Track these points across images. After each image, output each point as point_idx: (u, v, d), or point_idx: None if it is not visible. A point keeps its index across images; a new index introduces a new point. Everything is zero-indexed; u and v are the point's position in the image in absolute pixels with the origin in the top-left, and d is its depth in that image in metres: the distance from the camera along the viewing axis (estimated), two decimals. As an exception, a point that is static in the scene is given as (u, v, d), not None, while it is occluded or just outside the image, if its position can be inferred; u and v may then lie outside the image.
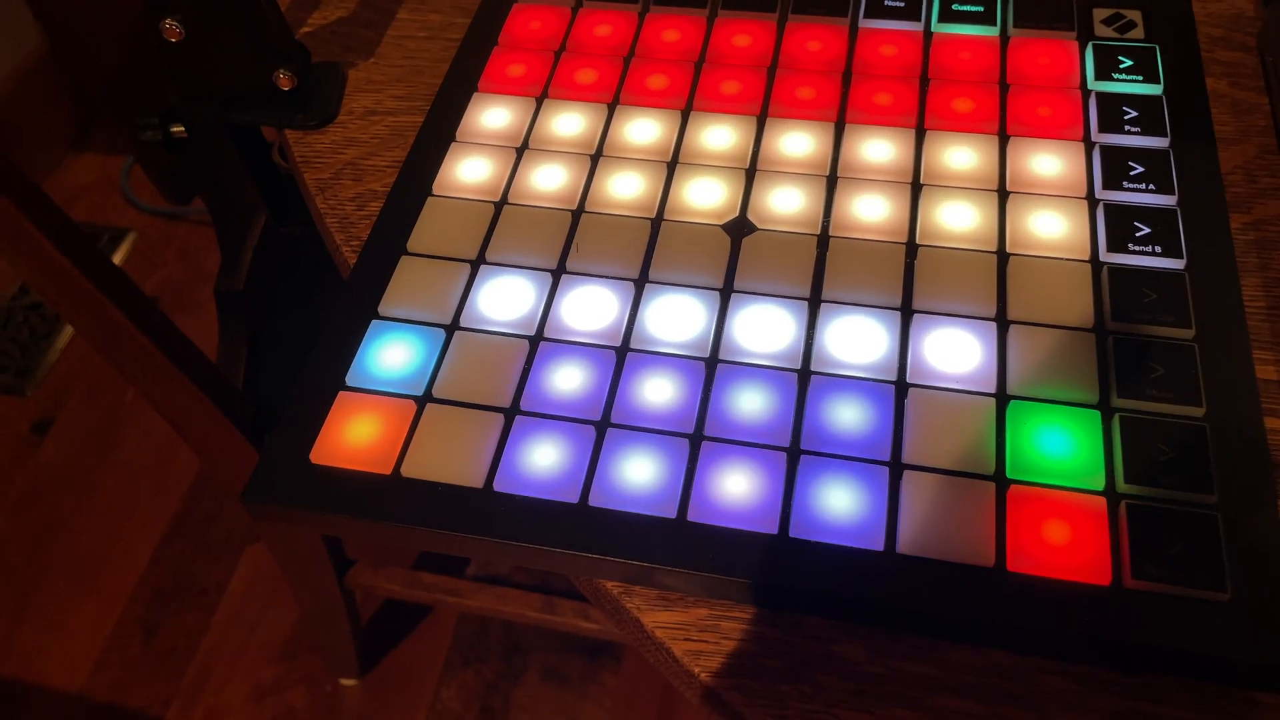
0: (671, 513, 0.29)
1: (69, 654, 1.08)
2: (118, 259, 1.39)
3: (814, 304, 0.33)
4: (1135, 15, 0.40)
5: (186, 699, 1.06)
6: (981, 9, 0.41)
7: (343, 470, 0.31)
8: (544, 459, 0.30)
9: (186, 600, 1.12)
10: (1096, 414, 0.30)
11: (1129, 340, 0.31)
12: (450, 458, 0.30)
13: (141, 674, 1.07)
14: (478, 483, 0.30)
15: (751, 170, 0.37)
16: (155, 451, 1.20)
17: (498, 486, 0.30)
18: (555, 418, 0.31)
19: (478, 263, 0.35)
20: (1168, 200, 0.34)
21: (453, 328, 0.34)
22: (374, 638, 1.07)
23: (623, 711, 1.01)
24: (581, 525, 0.29)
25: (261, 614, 1.11)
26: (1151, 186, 0.35)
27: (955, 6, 0.41)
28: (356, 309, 0.34)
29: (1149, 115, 0.37)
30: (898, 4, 0.41)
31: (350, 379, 0.33)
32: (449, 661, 1.07)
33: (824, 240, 0.35)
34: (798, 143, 0.37)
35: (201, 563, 1.13)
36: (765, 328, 0.33)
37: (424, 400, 0.32)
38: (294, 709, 1.06)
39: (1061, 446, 0.29)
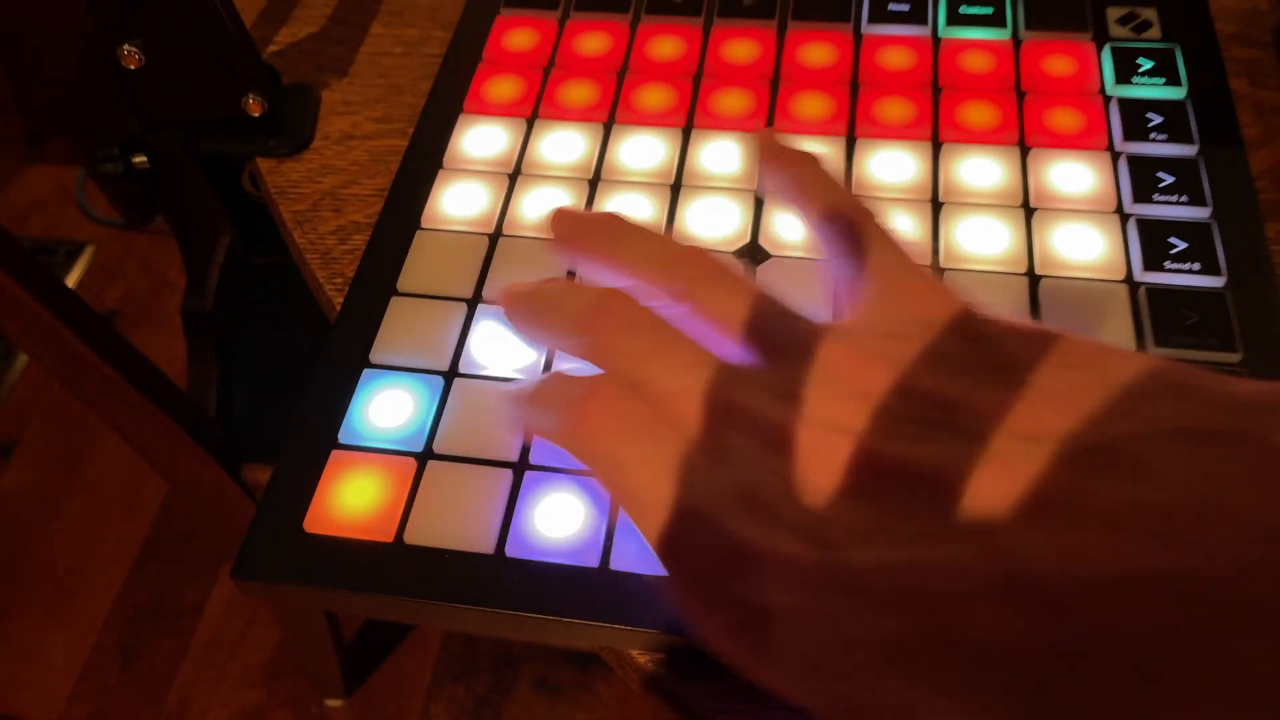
0: (701, 574, 0.27)
1: (44, 685, 1.04)
2: (76, 273, 1.34)
3: (837, 336, 0.31)
4: (1150, 14, 0.38)
5: (167, 725, 1.03)
6: (991, 10, 0.39)
7: (340, 539, 0.28)
8: (559, 519, 0.28)
9: (164, 624, 1.08)
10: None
11: (1174, 367, 0.29)
12: (457, 521, 0.28)
13: (120, 703, 1.04)
14: (488, 548, 0.28)
15: (760, 192, 0.35)
16: (124, 472, 1.16)
17: (511, 552, 0.28)
18: (569, 471, 0.29)
19: (474, 301, 0.33)
20: (1201, 213, 0.33)
21: (452, 374, 0.31)
22: (359, 655, 1.05)
23: (617, 720, 1.00)
24: (605, 592, 0.27)
25: (242, 635, 1.08)
26: (1184, 198, 0.33)
27: (963, 9, 0.39)
28: (346, 357, 0.32)
29: (1174, 121, 0.35)
30: (902, 7, 0.39)
31: (343, 436, 0.30)
32: (437, 677, 1.05)
33: (843, 266, 0.33)
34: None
35: (177, 585, 1.10)
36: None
37: (425, 457, 0.30)
38: (280, 732, 1.03)
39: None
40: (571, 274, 0.33)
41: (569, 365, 0.30)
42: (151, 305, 1.32)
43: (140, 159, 0.42)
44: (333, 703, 1.03)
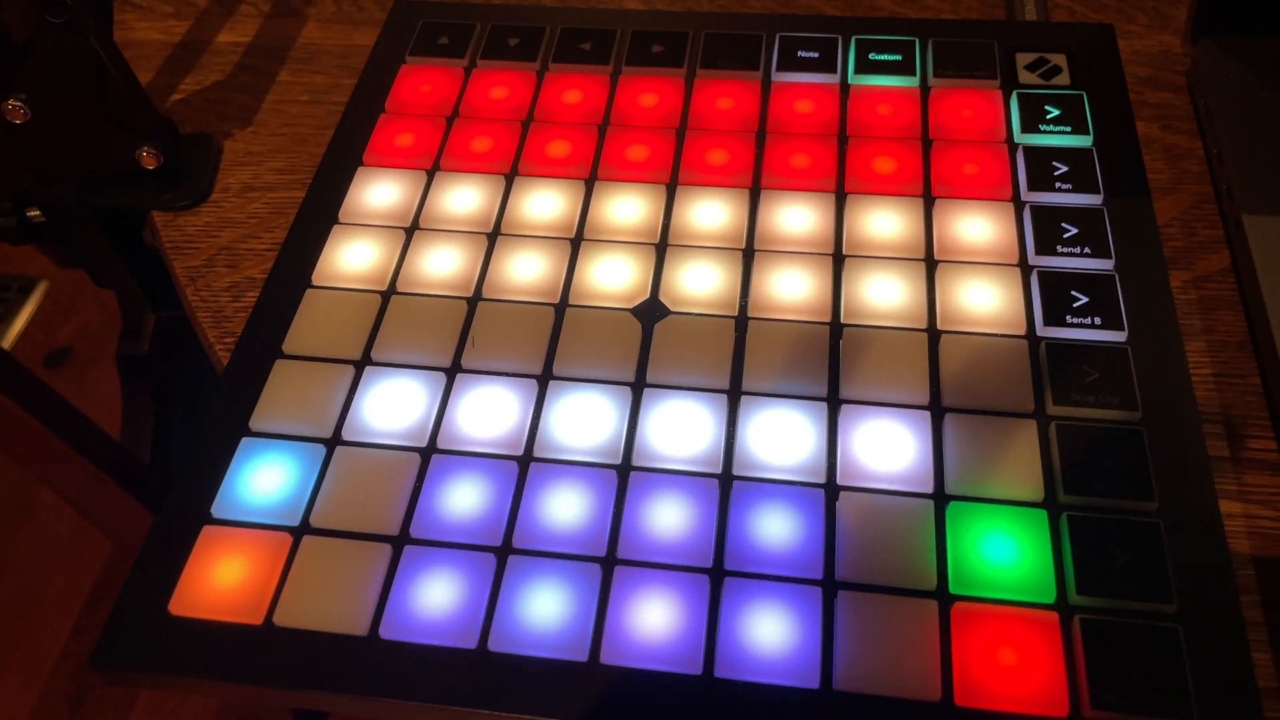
0: (583, 655, 0.26)
1: (-12, 737, 1.01)
2: (29, 309, 1.32)
3: (734, 397, 0.30)
4: (1060, 59, 0.38)
5: (116, 779, 1.00)
6: (900, 58, 0.38)
7: (207, 622, 0.27)
8: (437, 597, 0.27)
9: (113, 671, 1.05)
10: (1043, 513, 0.27)
11: (1073, 427, 0.29)
12: (330, 601, 0.27)
13: (67, 754, 1.01)
14: (362, 630, 0.26)
15: (663, 245, 0.34)
16: (71, 519, 1.13)
17: (384, 634, 0.26)
18: (450, 544, 0.28)
19: (362, 364, 0.32)
20: (1105, 265, 0.32)
21: (334, 442, 0.30)
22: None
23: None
24: (481, 676, 0.26)
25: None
26: (1087, 250, 0.32)
27: (872, 56, 0.38)
28: (225, 425, 0.31)
29: (1080, 170, 0.34)
30: (812, 55, 0.39)
31: (217, 510, 0.29)
32: None
33: (742, 322, 0.32)
34: (711, 213, 0.35)
35: (127, 630, 1.07)
36: (682, 426, 0.30)
37: (300, 531, 0.28)
38: (233, 779, 1.00)
39: (1007, 553, 0.27)
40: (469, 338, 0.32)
41: (467, 414, 0.29)
42: (105, 343, 1.29)
43: (34, 213, 0.40)
44: (287, 747, 1.01)
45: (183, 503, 0.29)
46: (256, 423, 0.30)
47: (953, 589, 0.26)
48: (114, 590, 1.08)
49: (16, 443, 0.58)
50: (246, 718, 1.02)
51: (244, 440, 0.30)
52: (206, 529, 0.28)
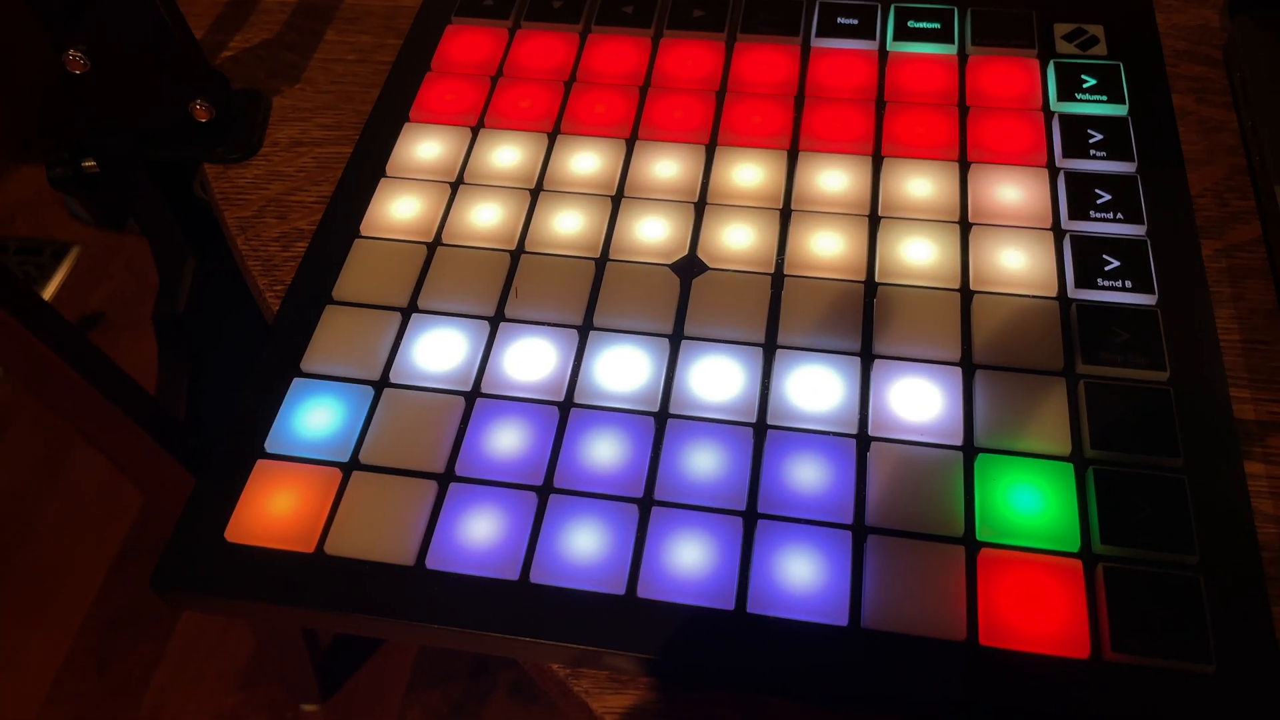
0: (620, 589, 0.27)
1: (19, 689, 1.04)
2: (61, 274, 1.34)
3: (769, 350, 0.31)
4: (1098, 30, 0.38)
5: (143, 732, 1.03)
6: (938, 26, 0.39)
7: (261, 549, 0.28)
8: (481, 531, 0.28)
9: (140, 629, 1.08)
10: (1069, 467, 0.28)
11: (1101, 385, 0.29)
12: (379, 532, 0.28)
13: (95, 707, 1.04)
14: (409, 560, 0.28)
15: (701, 204, 0.35)
16: (103, 476, 1.16)
17: (431, 564, 0.27)
18: (493, 483, 0.29)
19: (409, 311, 0.33)
20: (1137, 230, 0.33)
21: (382, 384, 0.31)
22: (336, 661, 1.04)
23: (593, 728, 0.98)
24: (523, 605, 0.27)
25: (218, 641, 1.08)
26: (1119, 215, 0.33)
27: (911, 24, 0.39)
28: (277, 366, 0.32)
29: (1114, 138, 0.35)
30: (851, 21, 0.39)
31: (270, 445, 0.30)
32: (414, 682, 1.05)
33: (779, 280, 0.33)
34: (750, 173, 0.35)
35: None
36: (718, 377, 0.30)
37: (350, 467, 0.29)
38: (255, 738, 1.03)
39: (1034, 504, 0.27)
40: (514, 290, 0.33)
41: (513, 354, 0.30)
42: (136, 308, 1.32)
43: (89, 164, 0.42)
44: (309, 708, 1.03)
45: (237, 438, 0.30)
46: (308, 364, 0.32)
47: (980, 536, 0.27)
48: (141, 552, 1.11)
49: (57, 394, 0.59)
50: (270, 676, 1.05)
51: (296, 380, 0.31)
52: (260, 463, 0.30)
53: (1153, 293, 0.31)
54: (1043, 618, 0.26)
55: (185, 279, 0.80)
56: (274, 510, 0.29)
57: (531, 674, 0.29)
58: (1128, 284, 0.31)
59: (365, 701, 1.03)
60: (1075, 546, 0.27)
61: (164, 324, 0.81)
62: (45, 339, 0.53)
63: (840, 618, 0.26)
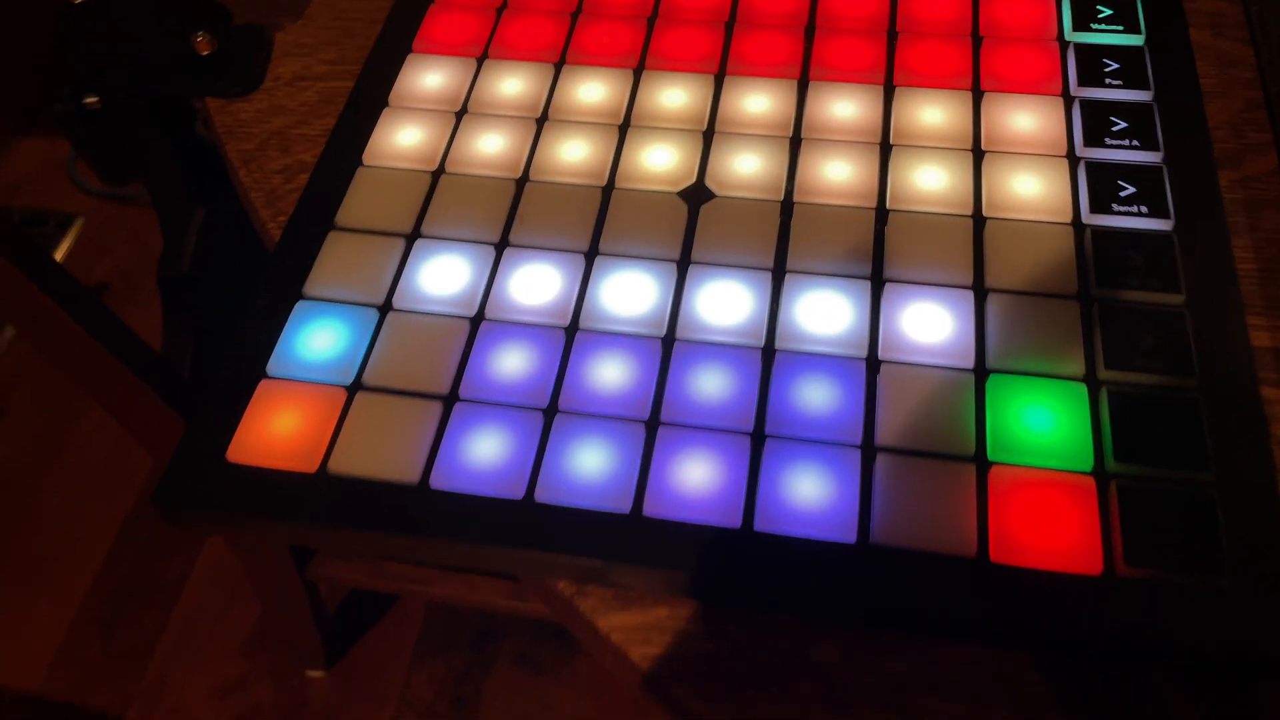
0: (625, 507, 0.26)
1: (25, 656, 1.04)
2: (65, 245, 1.34)
3: (778, 275, 0.31)
4: (1114, -38, 0.38)
5: (148, 698, 1.03)
6: (952, -43, 0.38)
7: (263, 469, 0.28)
8: (486, 451, 0.28)
9: (145, 597, 1.08)
10: (1083, 387, 0.28)
11: (1115, 307, 0.29)
12: (383, 451, 0.28)
13: (100, 674, 1.04)
14: (413, 478, 0.27)
15: (709, 132, 0.34)
16: (107, 448, 1.16)
17: (435, 483, 0.27)
18: (498, 404, 0.29)
19: (413, 237, 0.32)
20: (1153, 157, 0.32)
21: (386, 308, 0.31)
22: (341, 628, 1.04)
23: (596, 696, 0.99)
24: (527, 522, 0.27)
25: (223, 609, 1.08)
26: (1135, 143, 0.32)
27: (924, -45, 0.38)
28: (280, 290, 0.31)
29: (1131, 67, 0.34)
30: (863, -47, 0.38)
31: (272, 368, 0.30)
32: (419, 651, 1.05)
33: (788, 206, 0.32)
34: (759, 102, 0.35)
35: (160, 558, 1.09)
36: (726, 302, 0.30)
37: (354, 388, 0.29)
38: (260, 705, 1.03)
39: (1046, 424, 0.27)
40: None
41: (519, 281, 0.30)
42: (139, 281, 1.31)
43: (91, 99, 0.41)
44: (314, 674, 1.03)
45: (239, 360, 0.30)
46: (311, 288, 0.31)
47: (991, 455, 0.27)
48: (146, 521, 1.11)
49: (65, 352, 0.59)
50: (275, 642, 1.05)
51: (299, 304, 0.31)
52: (263, 383, 0.29)
53: (1169, 218, 0.31)
54: (1054, 535, 0.25)
55: (190, 240, 0.79)
56: (277, 430, 0.28)
57: (537, 595, 0.28)
58: (1143, 209, 0.31)
59: (369, 669, 1.04)
60: (1088, 465, 0.26)
61: (168, 285, 0.80)
62: (55, 296, 0.53)
63: (849, 534, 0.26)
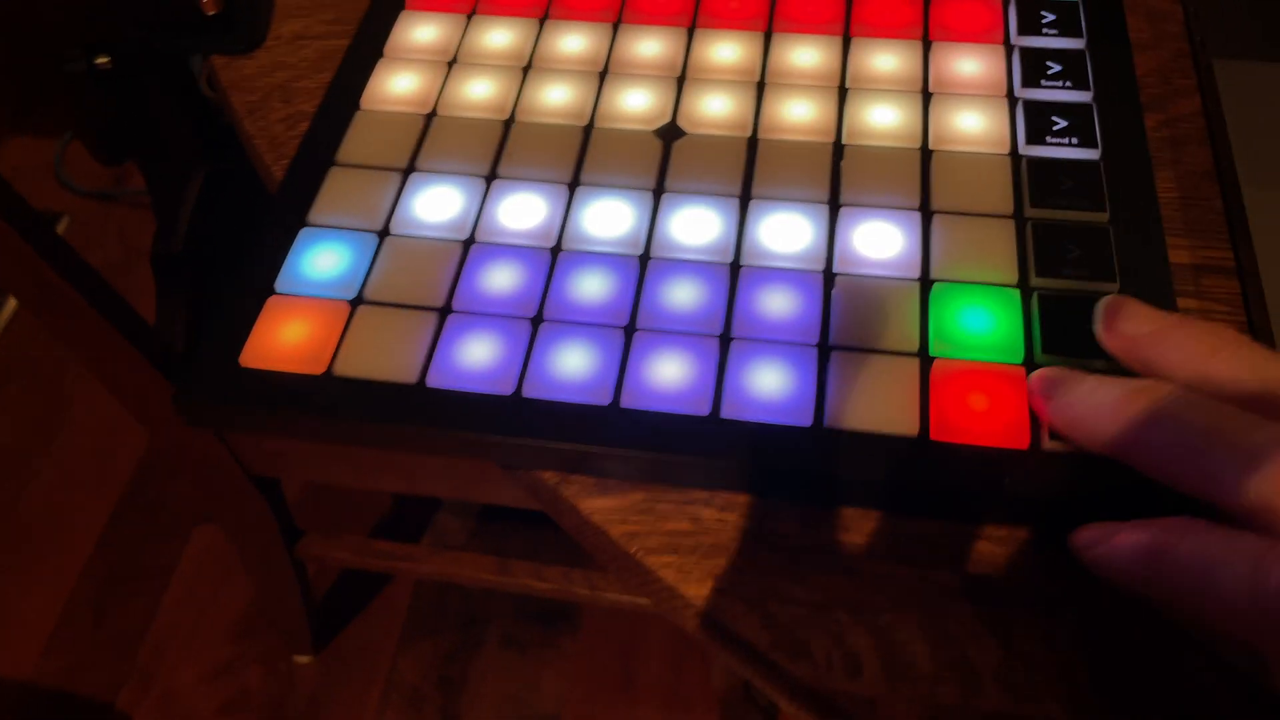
0: (605, 399, 0.29)
1: (16, 641, 1.05)
2: (53, 241, 1.35)
3: (744, 201, 0.34)
4: (1053, -73, 0.41)
5: (139, 682, 1.04)
6: (905, -77, 0.41)
7: (274, 372, 0.30)
8: (478, 354, 0.30)
9: (136, 582, 1.09)
10: (1016, 292, 0.31)
11: (1047, 224, 0.32)
12: (383, 356, 0.30)
13: (92, 658, 1.05)
14: (411, 378, 0.30)
15: (682, 79, 0.37)
16: (100, 432, 1.17)
17: (431, 382, 0.30)
18: (489, 315, 0.31)
19: (408, 171, 0.35)
20: (1084, 96, 0.35)
21: (384, 233, 0.34)
22: (329, 613, 1.06)
23: (582, 677, 1.01)
24: (516, 415, 0.29)
25: (213, 594, 1.10)
26: (1068, 84, 0.36)
27: (879, -79, 0.41)
28: (285, 218, 0.34)
29: (1067, 19, 0.37)
30: (823, -80, 0.42)
31: (280, 284, 0.32)
32: (405, 634, 1.07)
33: (753, 142, 0.35)
34: (728, 52, 0.38)
35: (151, 544, 1.11)
36: (697, 224, 0.33)
37: (356, 302, 0.32)
38: (248, 688, 1.04)
39: (983, 324, 0.30)
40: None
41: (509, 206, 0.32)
42: (128, 277, 1.33)
43: (103, 60, 0.44)
44: (302, 659, 1.05)
45: (247, 279, 0.33)
46: (314, 216, 0.34)
47: (933, 351, 0.30)
48: (137, 507, 1.12)
49: (66, 324, 0.61)
50: (264, 627, 1.07)
51: (303, 230, 0.34)
52: (272, 298, 0.32)
53: (1096, 147, 0.34)
54: (988, 416, 0.28)
55: (182, 218, 0.82)
56: (286, 338, 0.31)
57: (524, 486, 0.31)
58: (1074, 140, 0.34)
59: (357, 652, 1.05)
60: (1019, 358, 0.29)
61: (162, 262, 0.83)
62: (55, 266, 0.55)
63: (805, 418, 0.28)
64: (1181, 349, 0.25)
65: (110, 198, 1.37)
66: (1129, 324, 0.27)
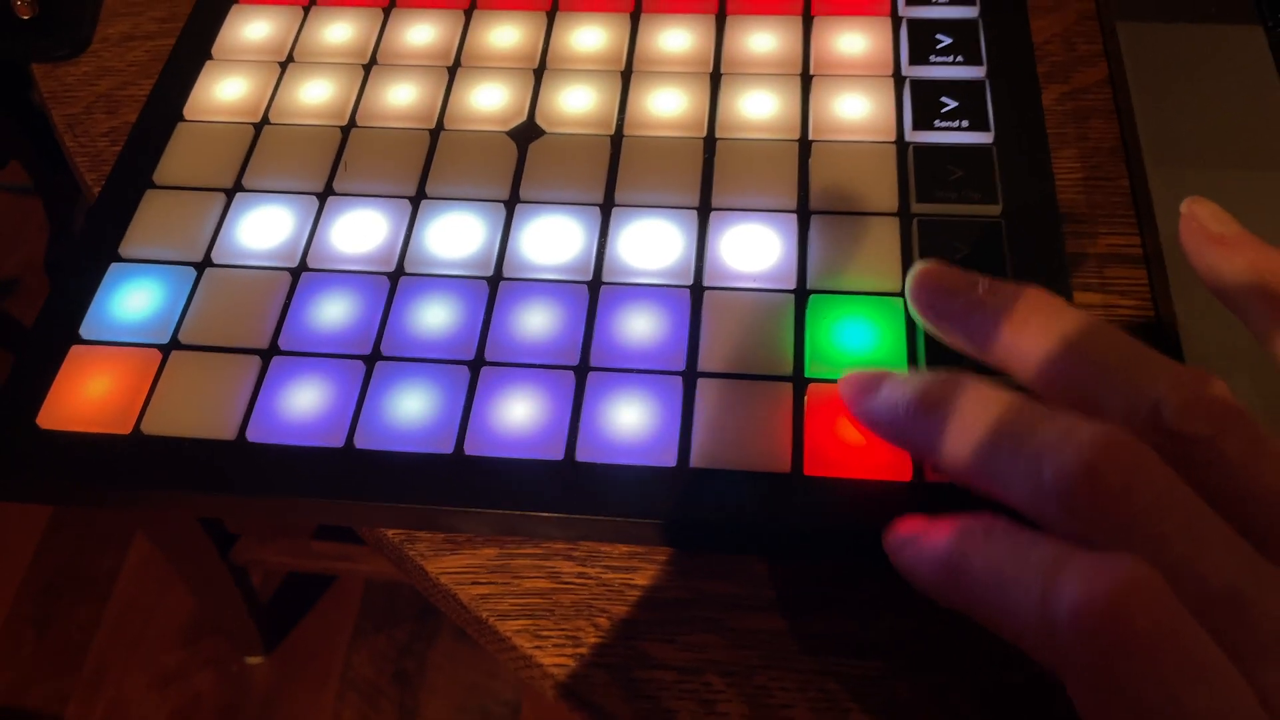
0: (448, 448, 0.26)
1: (-46, 661, 1.02)
2: (-27, 240, 1.29)
3: (606, 210, 0.30)
4: (947, -119, 0.38)
5: (86, 693, 1.02)
6: (786, -117, 0.38)
7: (75, 434, 0.27)
8: (305, 401, 0.27)
9: (77, 593, 1.06)
10: (899, 301, 0.28)
11: (933, 221, 0.29)
12: (198, 409, 0.27)
13: (36, 672, 1.03)
14: (229, 434, 0.27)
15: (540, 70, 0.34)
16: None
17: (252, 436, 0.27)
18: (319, 355, 0.28)
19: (234, 191, 0.31)
20: (976, 72, 0.32)
21: (204, 265, 0.30)
22: (280, 611, 1.04)
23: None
24: (348, 470, 0.26)
25: (158, 600, 1.07)
26: (959, 58, 0.32)
27: (758, -119, 0.38)
28: (93, 252, 0.30)
29: (959, -15, 0.34)
30: (697, -118, 0.38)
31: (85, 331, 0.29)
32: (359, 628, 1.05)
33: (618, 140, 0.32)
34: (591, 36, 0.34)
35: (89, 553, 1.07)
36: (554, 239, 0.30)
37: (169, 348, 0.28)
38: (200, 693, 1.02)
39: (863, 338, 0.27)
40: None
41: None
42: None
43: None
44: (253, 660, 1.02)
45: (50, 325, 0.29)
46: (126, 249, 0.30)
47: (808, 373, 0.27)
48: (73, 516, 1.08)
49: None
50: (212, 631, 1.04)
51: (113, 266, 0.30)
52: (75, 348, 0.28)
53: (988, 130, 0.31)
54: (868, 447, 0.25)
55: (76, 222, 0.77)
56: (89, 394, 0.28)
57: (369, 543, 0.28)
58: (964, 124, 0.31)
59: (310, 649, 1.03)
60: (903, 377, 0.26)
61: (58, 273, 0.78)
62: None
63: (669, 458, 0.26)
64: (988, 324, 0.23)
65: (27, 191, 1.31)
66: (940, 300, 0.25)
